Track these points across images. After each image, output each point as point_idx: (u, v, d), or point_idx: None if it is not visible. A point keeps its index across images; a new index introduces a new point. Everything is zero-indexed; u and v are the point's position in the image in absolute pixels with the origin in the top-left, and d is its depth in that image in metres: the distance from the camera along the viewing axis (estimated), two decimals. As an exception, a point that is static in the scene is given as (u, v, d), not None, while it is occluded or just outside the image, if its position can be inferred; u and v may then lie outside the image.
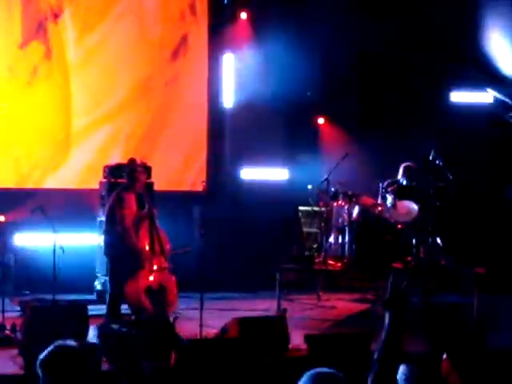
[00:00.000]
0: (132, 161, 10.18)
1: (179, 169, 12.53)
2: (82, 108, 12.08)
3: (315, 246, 11.42)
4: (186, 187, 12.49)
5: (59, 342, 4.05)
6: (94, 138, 12.12)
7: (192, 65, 12.60)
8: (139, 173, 9.38)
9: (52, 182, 11.88)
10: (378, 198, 10.68)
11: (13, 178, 11.76)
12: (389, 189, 10.60)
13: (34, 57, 11.79)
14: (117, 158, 11.54)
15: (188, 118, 12.55)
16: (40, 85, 11.82)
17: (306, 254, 11.57)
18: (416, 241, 10.44)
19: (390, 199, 10.57)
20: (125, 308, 9.41)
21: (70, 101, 12.00)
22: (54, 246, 9.06)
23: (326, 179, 10.86)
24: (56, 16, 11.86)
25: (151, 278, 9.25)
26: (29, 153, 11.78)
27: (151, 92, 12.41)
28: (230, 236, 12.14)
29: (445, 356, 4.52)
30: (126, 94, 12.27)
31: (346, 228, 10.52)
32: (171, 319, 8.41)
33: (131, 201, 9.27)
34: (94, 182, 11.39)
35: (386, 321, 4.27)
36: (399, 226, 10.43)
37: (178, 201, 11.99)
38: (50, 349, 3.93)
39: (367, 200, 10.60)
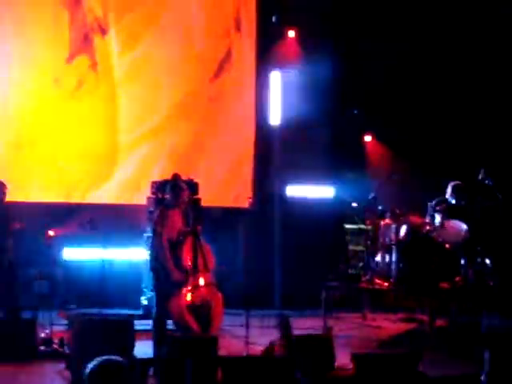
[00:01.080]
0: (176, 176, 10.21)
1: (223, 185, 12.52)
2: (128, 122, 12.15)
3: (361, 264, 11.33)
4: (229, 203, 12.46)
5: (107, 357, 4.05)
6: (138, 153, 12.18)
7: (238, 81, 12.63)
8: (182, 189, 9.36)
9: (97, 196, 11.96)
10: (426, 216, 10.55)
11: (58, 192, 11.85)
12: (437, 208, 10.46)
13: (79, 69, 11.91)
14: (161, 173, 11.60)
15: (233, 134, 12.56)
16: (85, 97, 11.92)
17: (351, 272, 11.50)
18: (464, 261, 10.29)
19: (438, 218, 10.43)
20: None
21: (115, 115, 12.09)
22: (102, 260, 9.14)
23: (373, 197, 10.79)
24: (102, 28, 12.00)
25: (190, 296, 9.24)
26: (74, 166, 11.89)
27: (195, 107, 12.43)
28: (275, 253, 12.12)
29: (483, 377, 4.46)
30: (170, 109, 12.31)
31: (393, 247, 10.40)
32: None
33: (175, 217, 9.26)
34: (137, 196, 11.50)
35: (486, 360, 4.19)
36: (447, 246, 10.28)
37: (223, 216, 12.00)
38: (97, 361, 3.93)
39: (415, 219, 10.47)
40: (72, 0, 11.87)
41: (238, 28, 12.64)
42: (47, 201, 11.62)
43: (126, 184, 12.12)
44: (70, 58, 11.87)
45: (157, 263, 9.30)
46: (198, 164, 12.23)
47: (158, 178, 11.26)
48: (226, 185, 12.56)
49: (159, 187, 10.67)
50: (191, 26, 12.43)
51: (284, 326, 7.97)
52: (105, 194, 12.01)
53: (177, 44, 12.35)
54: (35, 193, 11.66)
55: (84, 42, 11.94)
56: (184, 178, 10.23)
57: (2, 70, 11.54)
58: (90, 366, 3.93)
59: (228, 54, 12.58)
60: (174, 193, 9.30)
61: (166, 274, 9.26)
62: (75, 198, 11.87)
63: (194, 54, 12.42)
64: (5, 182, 9.44)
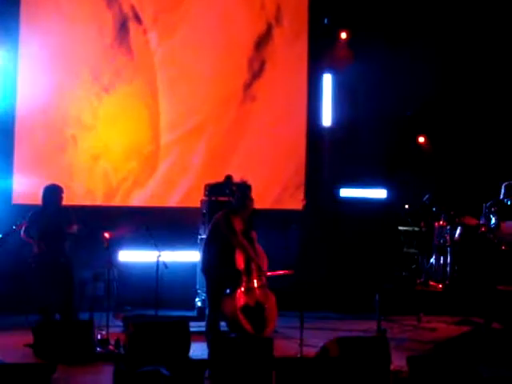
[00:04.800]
0: (228, 178, 10.24)
1: (274, 186, 12.50)
2: (167, 120, 12.17)
3: (413, 266, 11.27)
4: (277, 205, 12.43)
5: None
6: (180, 151, 12.22)
7: (285, 81, 12.58)
8: (250, 200, 9.39)
9: (140, 195, 12.06)
10: (480, 218, 10.44)
11: (102, 192, 11.96)
12: (492, 209, 10.35)
13: (118, 60, 11.98)
14: (204, 174, 11.72)
15: (284, 135, 12.53)
16: (123, 90, 11.99)
17: (405, 274, 11.43)
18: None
19: (493, 219, 10.32)
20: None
21: (155, 112, 12.11)
22: (157, 262, 9.20)
23: (428, 199, 10.71)
24: (137, 17, 12.04)
25: (244, 298, 9.26)
26: (117, 166, 12.00)
27: (238, 106, 12.42)
28: (329, 255, 12.09)
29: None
30: (211, 106, 12.29)
31: (448, 249, 10.32)
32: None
33: (236, 223, 9.33)
34: (179, 196, 11.84)
35: None
36: (503, 247, 10.17)
37: (275, 218, 12.00)
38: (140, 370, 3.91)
39: (470, 220, 10.37)
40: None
41: (279, 24, 12.55)
42: (92, 203, 11.76)
43: (167, 183, 12.17)
44: (107, 48, 11.95)
45: (211, 264, 9.35)
46: (248, 165, 12.14)
47: (197, 178, 11.41)
48: (278, 186, 12.55)
49: (213, 190, 10.72)
50: (231, 20, 12.38)
51: None
52: (148, 193, 12.08)
53: (216, 39, 12.28)
54: (80, 195, 11.75)
55: (120, 30, 11.99)
56: (237, 180, 10.27)
57: (44, 72, 11.67)
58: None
59: (271, 53, 12.53)
60: (241, 201, 9.33)
61: (220, 275, 9.32)
62: (119, 198, 11.99)
63: (235, 52, 12.39)
64: (62, 186, 9.59)
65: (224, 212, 9.34)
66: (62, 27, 11.77)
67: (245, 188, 9.61)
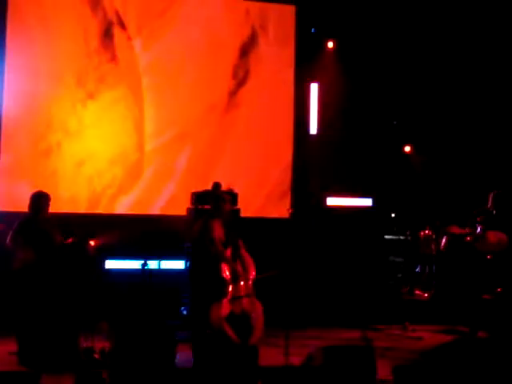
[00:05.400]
0: (216, 185, 10.21)
1: (259, 195, 12.51)
2: (152, 124, 12.17)
3: (399, 275, 11.29)
4: (262, 213, 12.43)
5: None
6: (166, 159, 12.22)
7: (276, 90, 12.62)
8: (223, 201, 9.35)
9: (125, 203, 12.02)
10: (466, 227, 10.47)
11: (86, 199, 11.91)
12: (478, 218, 10.38)
13: (102, 66, 11.97)
14: (189, 182, 11.70)
15: (270, 143, 12.55)
16: (107, 95, 11.98)
17: (390, 283, 11.46)
18: (506, 272, 10.18)
19: (479, 228, 10.35)
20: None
21: (139, 117, 12.10)
22: (143, 270, 9.18)
23: (413, 208, 10.76)
24: (122, 23, 12.04)
25: (230, 306, 9.22)
26: (101, 172, 11.97)
27: (224, 112, 12.45)
28: (315, 263, 12.08)
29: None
30: (197, 113, 12.31)
31: (434, 258, 10.35)
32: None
33: (216, 228, 9.28)
34: (166, 203, 11.81)
35: None
36: (488, 257, 10.20)
37: (262, 227, 12.00)
38: None
39: (455, 229, 10.41)
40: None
41: (265, 33, 12.58)
42: (76, 210, 11.70)
43: (151, 190, 12.14)
44: (91, 52, 11.93)
45: (198, 273, 9.31)
46: (236, 174, 12.17)
47: (182, 185, 11.44)
48: (263, 194, 12.56)
49: (199, 198, 10.70)
50: (216, 28, 12.41)
51: None
52: (132, 200, 12.05)
53: (200, 46, 12.32)
54: (64, 202, 11.67)
55: (105, 36, 11.98)
56: (224, 188, 10.26)
57: (29, 78, 11.64)
58: None
59: (257, 60, 12.57)
60: (215, 204, 9.31)
61: (206, 283, 9.29)
62: (103, 205, 11.95)
63: (220, 59, 12.42)
64: (49, 194, 9.52)
65: (204, 219, 9.33)
66: (47, 33, 11.75)
67: (220, 191, 9.59)
